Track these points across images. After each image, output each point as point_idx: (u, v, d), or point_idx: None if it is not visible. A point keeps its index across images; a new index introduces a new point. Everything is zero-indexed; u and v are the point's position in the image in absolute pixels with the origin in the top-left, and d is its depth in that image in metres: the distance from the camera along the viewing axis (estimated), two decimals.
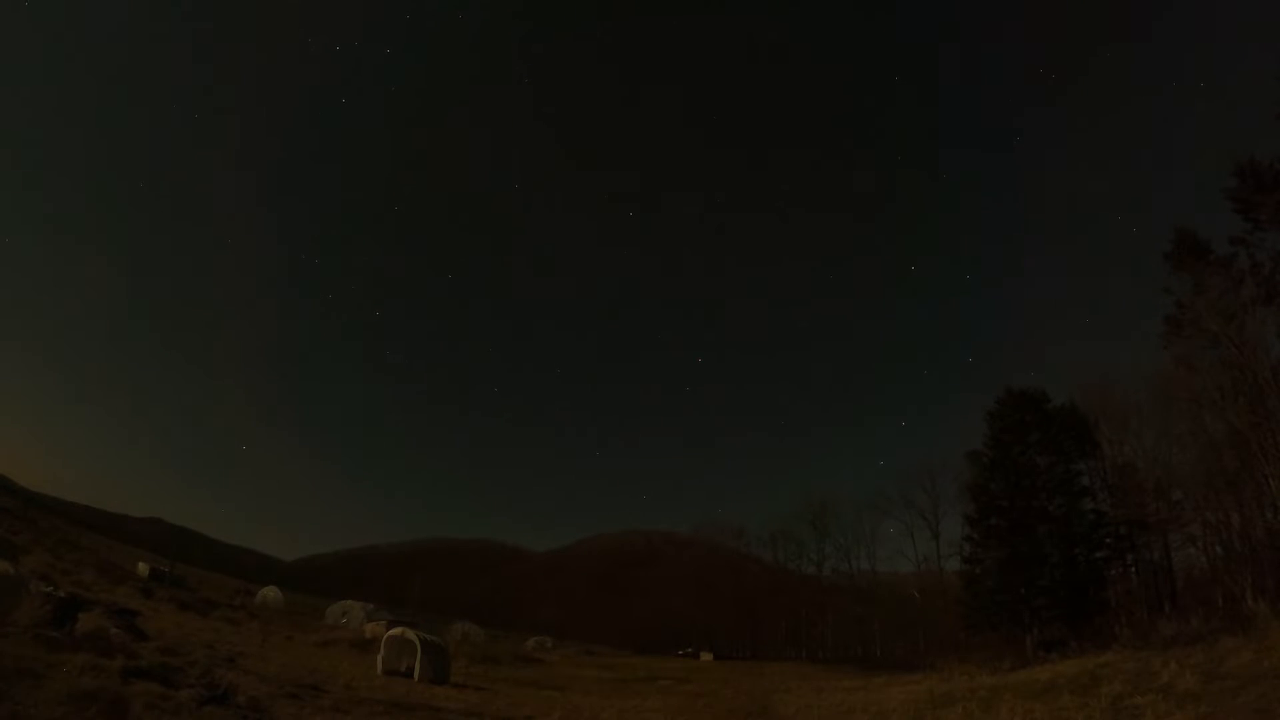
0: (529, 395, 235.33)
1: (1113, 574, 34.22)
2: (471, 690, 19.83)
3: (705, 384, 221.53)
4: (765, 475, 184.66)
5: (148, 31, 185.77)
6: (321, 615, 43.35)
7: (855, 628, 64.68)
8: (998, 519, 34.60)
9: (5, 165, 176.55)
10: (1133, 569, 34.32)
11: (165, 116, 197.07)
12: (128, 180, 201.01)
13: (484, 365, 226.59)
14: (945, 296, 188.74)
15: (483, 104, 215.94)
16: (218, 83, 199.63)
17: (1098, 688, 13.45)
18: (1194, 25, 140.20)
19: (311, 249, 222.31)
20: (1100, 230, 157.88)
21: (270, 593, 49.07)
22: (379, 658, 20.79)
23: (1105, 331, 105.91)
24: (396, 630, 22.02)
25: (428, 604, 73.22)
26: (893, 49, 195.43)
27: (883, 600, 64.80)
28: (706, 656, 58.24)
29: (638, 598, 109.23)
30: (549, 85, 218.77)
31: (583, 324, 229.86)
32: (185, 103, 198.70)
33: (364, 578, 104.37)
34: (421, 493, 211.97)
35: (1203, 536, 30.73)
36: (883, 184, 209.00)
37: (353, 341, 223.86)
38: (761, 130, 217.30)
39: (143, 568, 40.17)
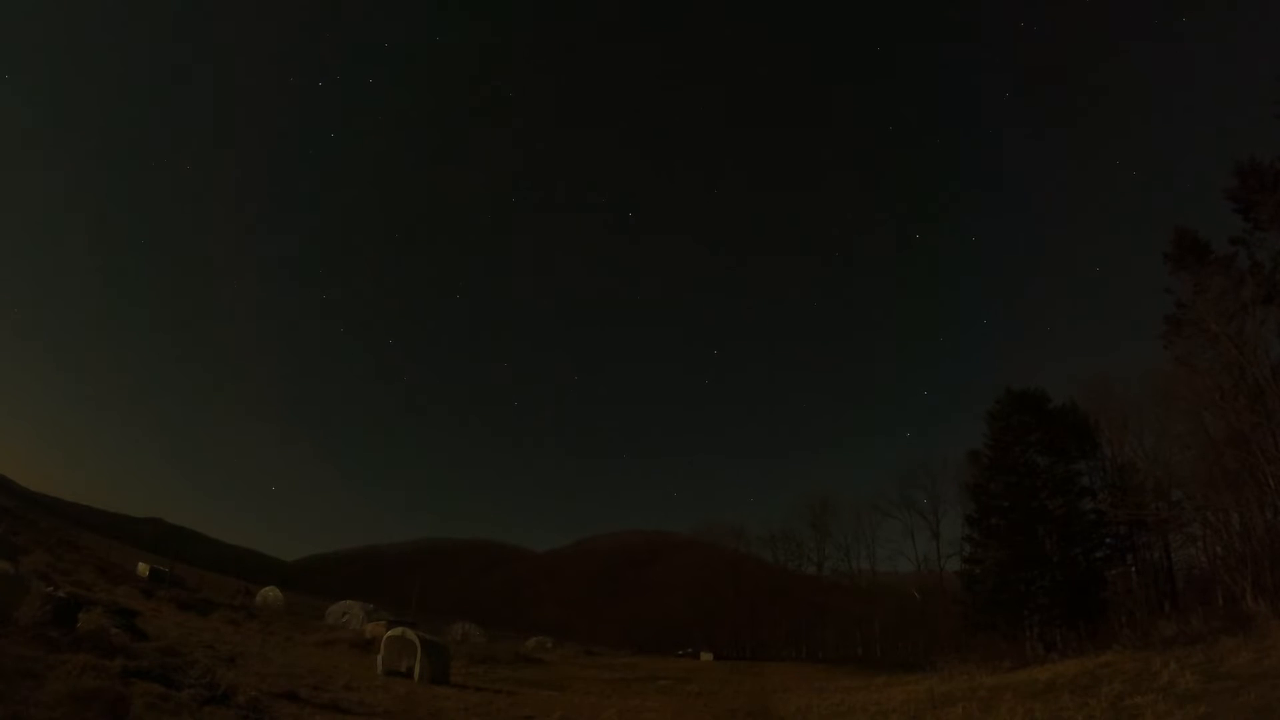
0: (529, 396, 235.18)
1: (1113, 574, 34.23)
2: (472, 690, 19.82)
3: (705, 385, 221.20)
4: (765, 475, 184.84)
5: (147, 36, 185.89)
6: (322, 615, 43.28)
7: (855, 628, 64.65)
8: (998, 519, 34.62)
9: (6, 165, 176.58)
10: (1133, 569, 34.34)
11: (167, 120, 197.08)
12: (129, 182, 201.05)
13: (485, 365, 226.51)
14: (945, 297, 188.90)
15: (474, 118, 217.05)
16: (216, 95, 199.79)
17: (1098, 688, 13.46)
18: (1194, 25, 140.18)
19: (313, 250, 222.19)
20: (1100, 230, 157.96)
21: (270, 593, 48.96)
22: (379, 658, 20.79)
23: (1105, 331, 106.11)
24: (397, 630, 22.00)
25: (428, 604, 73.18)
26: (893, 47, 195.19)
27: (883, 600, 64.78)
28: (706, 656, 58.15)
29: (638, 598, 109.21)
30: (542, 94, 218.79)
31: (583, 326, 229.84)
32: (188, 107, 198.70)
33: (364, 578, 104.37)
34: (421, 493, 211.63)
35: (1203, 536, 30.72)
36: (885, 185, 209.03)
37: (354, 342, 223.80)
38: (764, 136, 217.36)
39: (143, 568, 40.16)
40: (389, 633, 22.09)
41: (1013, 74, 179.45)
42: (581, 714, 16.79)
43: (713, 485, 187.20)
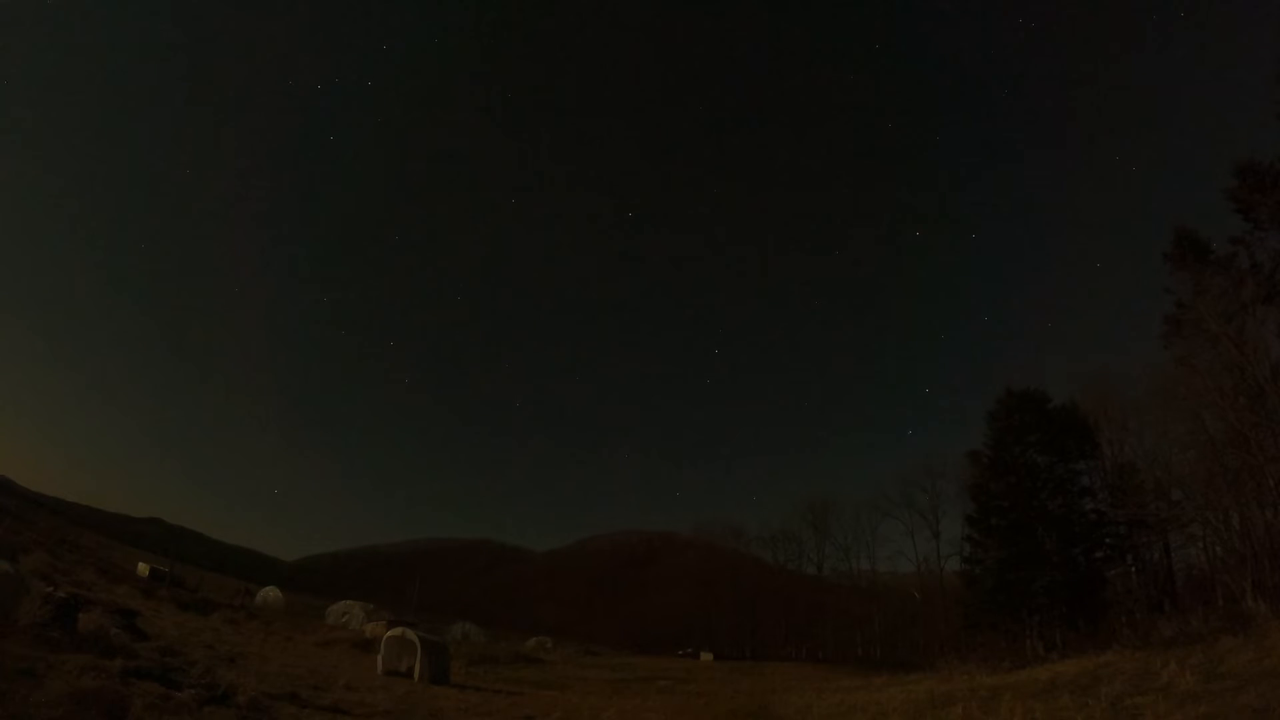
0: (529, 395, 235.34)
1: (1113, 574, 34.25)
2: (472, 690, 19.82)
3: (705, 385, 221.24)
4: (765, 475, 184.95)
5: (146, 40, 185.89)
6: (322, 615, 43.29)
7: (855, 628, 64.66)
8: (998, 519, 34.63)
9: (6, 164, 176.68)
10: (1133, 569, 34.34)
11: (167, 124, 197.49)
12: (130, 183, 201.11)
13: (484, 366, 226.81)
14: (945, 296, 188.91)
15: (473, 119, 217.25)
16: (215, 94, 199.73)
17: (1098, 688, 13.43)
18: (1194, 25, 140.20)
19: (312, 251, 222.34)
20: (1100, 230, 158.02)
21: (270, 593, 48.98)
22: (379, 658, 20.78)
23: (1105, 331, 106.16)
24: (396, 630, 22.00)
25: (428, 604, 73.29)
26: (893, 47, 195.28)
27: (883, 600, 64.81)
28: (706, 656, 58.16)
29: (638, 598, 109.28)
30: (541, 95, 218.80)
31: (583, 325, 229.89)
32: (189, 111, 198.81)
33: (364, 578, 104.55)
34: (421, 493, 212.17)
35: (1203, 536, 30.73)
36: (885, 184, 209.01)
37: (353, 342, 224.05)
38: (764, 135, 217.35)
39: (143, 568, 40.10)
40: (389, 633, 22.09)
41: (1012, 73, 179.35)
42: (581, 714, 16.77)
43: (713, 485, 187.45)
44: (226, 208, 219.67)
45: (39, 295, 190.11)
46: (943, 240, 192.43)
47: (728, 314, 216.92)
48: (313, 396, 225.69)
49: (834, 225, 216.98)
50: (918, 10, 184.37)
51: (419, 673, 19.72)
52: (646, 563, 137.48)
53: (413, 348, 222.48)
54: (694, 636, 72.15)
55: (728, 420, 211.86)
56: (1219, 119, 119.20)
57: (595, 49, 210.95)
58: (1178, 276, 27.50)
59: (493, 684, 22.99)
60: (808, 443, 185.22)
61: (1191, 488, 27.80)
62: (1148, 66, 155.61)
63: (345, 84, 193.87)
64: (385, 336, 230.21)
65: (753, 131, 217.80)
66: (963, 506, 44.72)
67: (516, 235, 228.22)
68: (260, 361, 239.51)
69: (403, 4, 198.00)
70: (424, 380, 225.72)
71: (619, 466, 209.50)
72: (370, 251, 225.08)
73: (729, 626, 74.07)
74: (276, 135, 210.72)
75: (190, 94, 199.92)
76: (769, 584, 76.19)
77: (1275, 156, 24.43)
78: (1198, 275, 25.98)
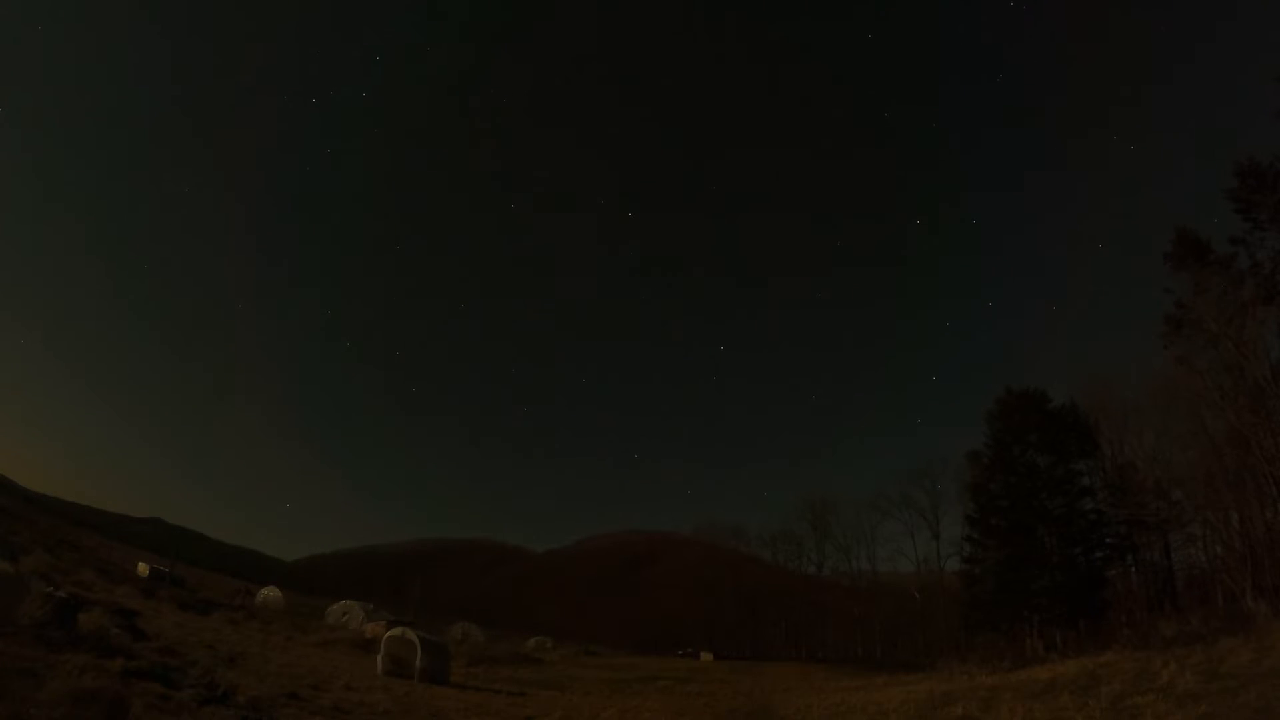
0: (529, 396, 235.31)
1: (1113, 574, 34.24)
2: (472, 690, 19.83)
3: (706, 385, 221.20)
4: (766, 475, 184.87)
5: (141, 58, 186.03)
6: (322, 615, 43.25)
7: (855, 628, 64.65)
8: (998, 519, 34.64)
9: (8, 168, 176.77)
10: (1133, 569, 34.34)
11: (172, 128, 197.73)
12: (131, 186, 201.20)
13: (484, 366, 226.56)
14: (945, 296, 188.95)
15: (472, 128, 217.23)
16: (218, 94, 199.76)
17: (1098, 688, 13.43)
18: (1194, 24, 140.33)
19: (313, 254, 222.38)
20: (1101, 229, 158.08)
21: (270, 593, 48.94)
22: (379, 658, 20.78)
23: (1105, 331, 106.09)
24: (397, 630, 22.01)
25: (428, 604, 73.25)
26: (891, 44, 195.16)
27: (883, 600, 64.79)
28: (706, 656, 58.10)
29: (638, 598, 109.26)
30: (538, 101, 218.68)
31: (583, 325, 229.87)
32: (190, 114, 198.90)
33: (364, 578, 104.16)
34: (421, 493, 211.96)
35: (1203, 536, 30.76)
36: (885, 186, 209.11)
37: (354, 342, 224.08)
38: (764, 133, 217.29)
39: (143, 568, 40.11)
40: (389, 633, 22.10)
41: (1012, 72, 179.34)
42: (581, 714, 16.79)
43: (713, 485, 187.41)
44: (229, 212, 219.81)
45: (40, 297, 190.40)
46: (943, 240, 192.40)
47: (728, 313, 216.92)
48: (313, 397, 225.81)
49: (834, 226, 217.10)
50: (921, 3, 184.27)
51: (419, 673, 19.72)
52: (646, 563, 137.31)
53: (414, 349, 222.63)
54: (694, 636, 72.07)
55: (728, 420, 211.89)
56: (1219, 119, 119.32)
57: (593, 51, 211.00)
58: (1178, 276, 27.56)
59: (493, 684, 22.99)
60: (808, 443, 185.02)
61: (1191, 488, 27.84)
62: (1148, 65, 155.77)
63: (343, 94, 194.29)
64: (387, 339, 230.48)
65: (753, 129, 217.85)
66: (963, 506, 44.77)
67: (517, 238, 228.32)
68: (261, 363, 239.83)
69: (398, 15, 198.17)
70: (425, 381, 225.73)
71: (619, 466, 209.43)
72: (372, 254, 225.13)
73: (729, 626, 74.05)
74: (277, 143, 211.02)
75: (192, 102, 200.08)
76: (769, 584, 76.19)
77: (1275, 156, 24.50)
78: (1198, 275, 26.00)
